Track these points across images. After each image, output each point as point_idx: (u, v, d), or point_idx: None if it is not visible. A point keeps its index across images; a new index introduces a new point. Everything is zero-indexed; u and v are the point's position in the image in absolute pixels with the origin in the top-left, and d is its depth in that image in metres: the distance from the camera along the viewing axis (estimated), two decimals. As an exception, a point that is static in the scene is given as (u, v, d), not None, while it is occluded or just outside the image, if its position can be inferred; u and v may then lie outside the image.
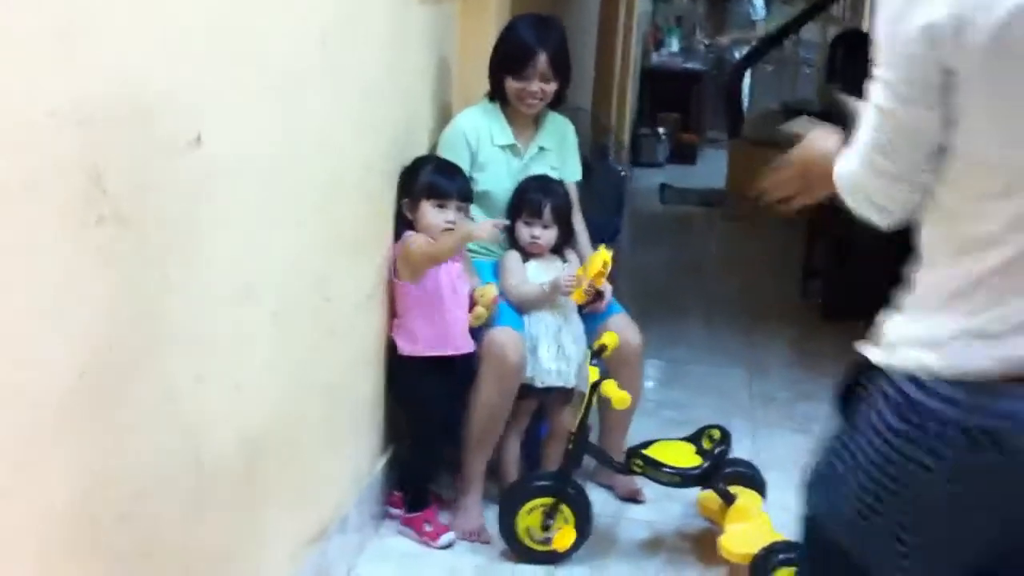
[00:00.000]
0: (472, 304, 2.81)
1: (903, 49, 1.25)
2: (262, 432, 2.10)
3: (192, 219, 1.73)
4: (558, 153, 3.15)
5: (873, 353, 1.40)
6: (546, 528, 2.69)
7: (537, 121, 3.11)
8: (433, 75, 3.09)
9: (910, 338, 1.35)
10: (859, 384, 1.42)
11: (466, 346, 2.78)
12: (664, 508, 3.04)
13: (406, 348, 2.74)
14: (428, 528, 2.79)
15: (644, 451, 2.74)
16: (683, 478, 2.69)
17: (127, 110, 1.51)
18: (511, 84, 2.97)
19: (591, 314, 3.02)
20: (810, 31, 8.54)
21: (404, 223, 2.76)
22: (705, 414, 3.73)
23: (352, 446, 2.67)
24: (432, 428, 2.83)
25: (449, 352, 2.76)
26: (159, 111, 1.60)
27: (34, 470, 1.38)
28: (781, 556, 2.49)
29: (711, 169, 8.86)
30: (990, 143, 1.25)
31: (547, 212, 2.96)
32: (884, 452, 1.33)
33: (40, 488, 1.40)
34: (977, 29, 1.18)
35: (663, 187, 7.90)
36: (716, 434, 2.74)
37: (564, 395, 2.95)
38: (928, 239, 1.38)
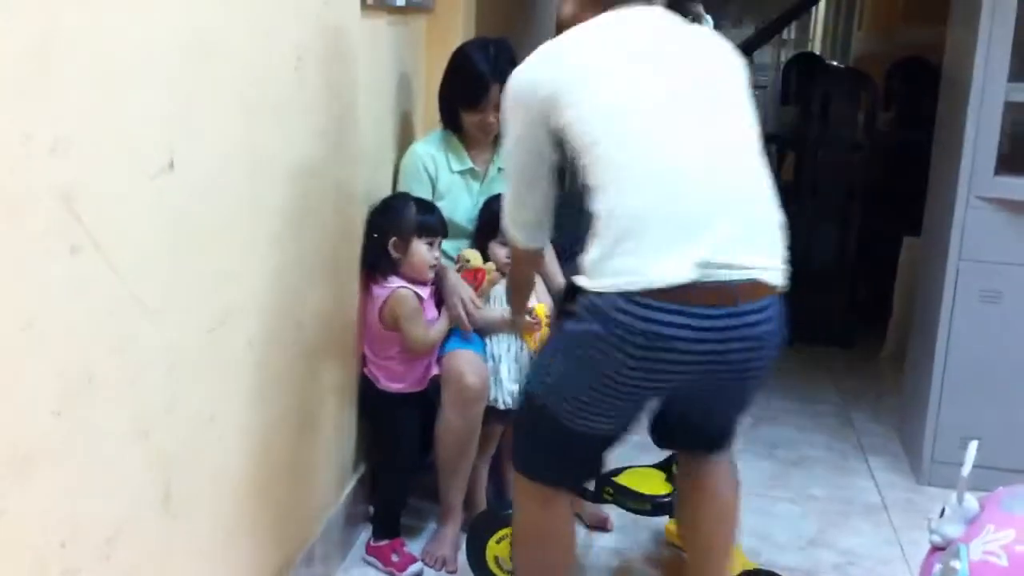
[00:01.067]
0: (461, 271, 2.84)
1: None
2: (234, 463, 2.04)
3: (168, 244, 1.68)
4: None
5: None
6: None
7: (496, 141, 3.02)
8: (400, 97, 3.05)
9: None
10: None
11: (433, 370, 2.79)
12: (632, 535, 3.01)
13: (391, 386, 2.74)
14: (395, 559, 2.74)
15: (615, 479, 2.71)
16: (654, 506, 2.66)
17: (100, 135, 1.46)
18: (467, 116, 2.91)
19: None
20: (762, 54, 8.60)
21: (382, 258, 2.70)
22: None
23: (323, 473, 2.61)
24: (405, 458, 2.80)
25: (423, 383, 2.77)
26: (132, 136, 1.55)
27: (8, 516, 1.32)
28: (755, 585, 2.47)
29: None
30: None
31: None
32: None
33: (11, 528, 1.34)
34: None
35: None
36: (687, 461, 2.71)
37: None
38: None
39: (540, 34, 6.04)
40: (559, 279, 2.94)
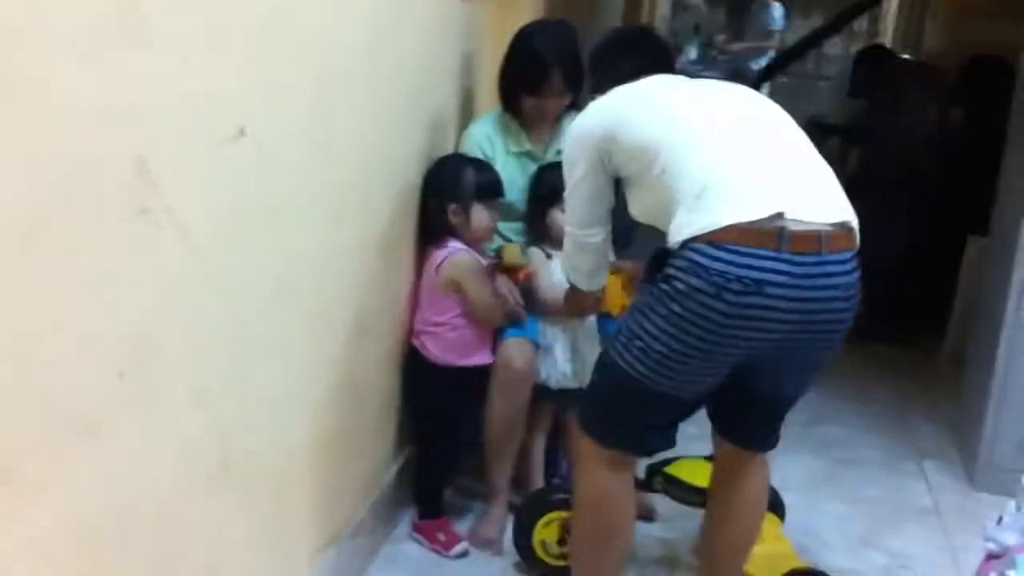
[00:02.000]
0: (500, 268, 2.82)
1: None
2: (289, 436, 2.05)
3: (234, 213, 1.69)
4: None
5: None
6: (562, 543, 2.63)
7: (555, 124, 3.00)
8: (464, 75, 3.03)
9: None
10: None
11: (489, 357, 2.76)
12: (678, 526, 2.98)
13: (439, 356, 2.70)
14: (441, 537, 2.74)
15: (666, 469, 2.69)
16: (705, 497, 2.62)
17: (175, 101, 1.46)
18: (527, 99, 2.89)
19: (607, 321, 2.96)
20: (833, 45, 8.47)
21: (439, 226, 2.68)
22: (694, 430, 3.68)
23: (372, 449, 2.62)
24: (452, 436, 2.79)
25: (477, 362, 2.73)
26: (205, 103, 1.55)
27: (68, 470, 1.33)
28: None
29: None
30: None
31: None
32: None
33: (72, 490, 1.35)
34: None
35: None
36: (740, 454, 2.68)
37: (579, 395, 2.90)
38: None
39: (606, 16, 6.00)
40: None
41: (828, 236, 1.92)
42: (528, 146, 2.96)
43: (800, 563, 2.66)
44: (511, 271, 2.84)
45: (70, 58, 1.23)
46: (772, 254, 1.87)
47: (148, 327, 1.47)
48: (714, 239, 1.88)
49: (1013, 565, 2.22)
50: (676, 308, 1.92)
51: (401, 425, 2.82)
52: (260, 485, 1.93)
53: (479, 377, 2.77)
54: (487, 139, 2.92)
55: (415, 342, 2.73)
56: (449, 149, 2.93)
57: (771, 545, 2.64)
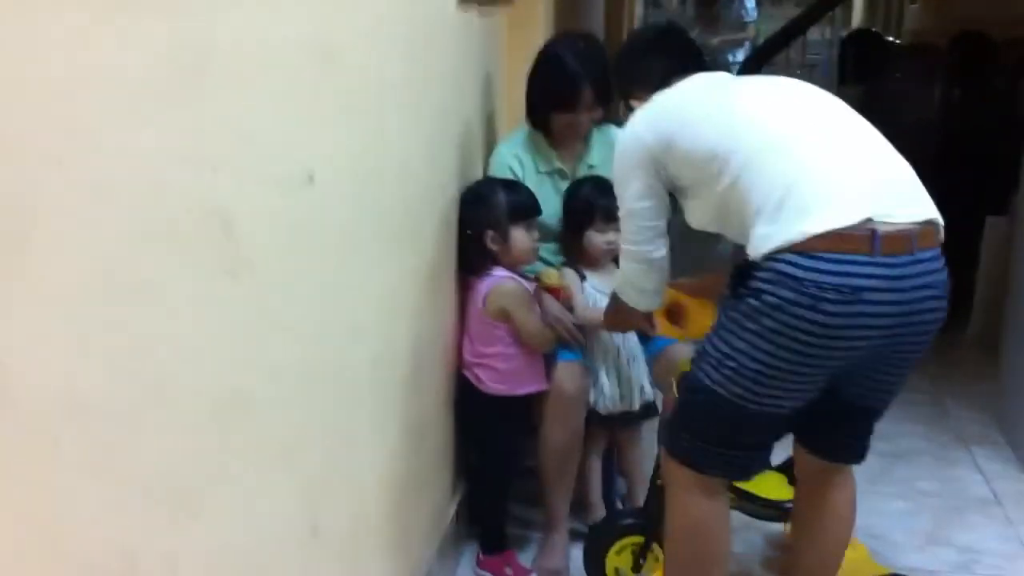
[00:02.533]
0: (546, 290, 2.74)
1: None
2: (364, 485, 1.95)
3: (307, 262, 1.59)
4: (607, 168, 2.99)
5: None
6: (637, 569, 2.54)
7: (585, 138, 2.92)
8: (486, 91, 2.95)
9: None
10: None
11: (544, 383, 2.67)
12: (747, 539, 2.90)
13: (493, 388, 2.61)
14: (508, 572, 2.65)
15: (736, 483, 2.60)
16: (780, 511, 2.55)
17: (251, 151, 1.37)
18: (558, 117, 2.79)
19: (647, 341, 2.88)
20: (812, 31, 8.45)
21: (481, 252, 2.59)
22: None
23: (434, 489, 2.52)
24: (509, 467, 2.71)
25: (532, 389, 2.65)
26: (276, 150, 1.45)
27: (167, 543, 1.23)
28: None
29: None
30: None
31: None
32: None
33: (170, 561, 1.25)
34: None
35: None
36: (810, 463, 2.60)
37: (630, 417, 2.84)
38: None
39: (589, 23, 5.93)
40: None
41: (918, 234, 1.84)
42: (558, 163, 2.88)
43: (879, 568, 2.59)
44: (550, 293, 2.75)
45: (151, 108, 1.13)
46: (867, 259, 1.79)
47: (238, 387, 1.38)
48: (804, 248, 1.79)
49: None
50: (769, 323, 1.83)
51: (457, 460, 2.72)
52: (342, 540, 1.83)
53: (532, 404, 2.68)
54: (516, 159, 2.83)
55: (467, 374, 2.64)
56: (478, 170, 2.84)
57: (848, 552, 2.56)
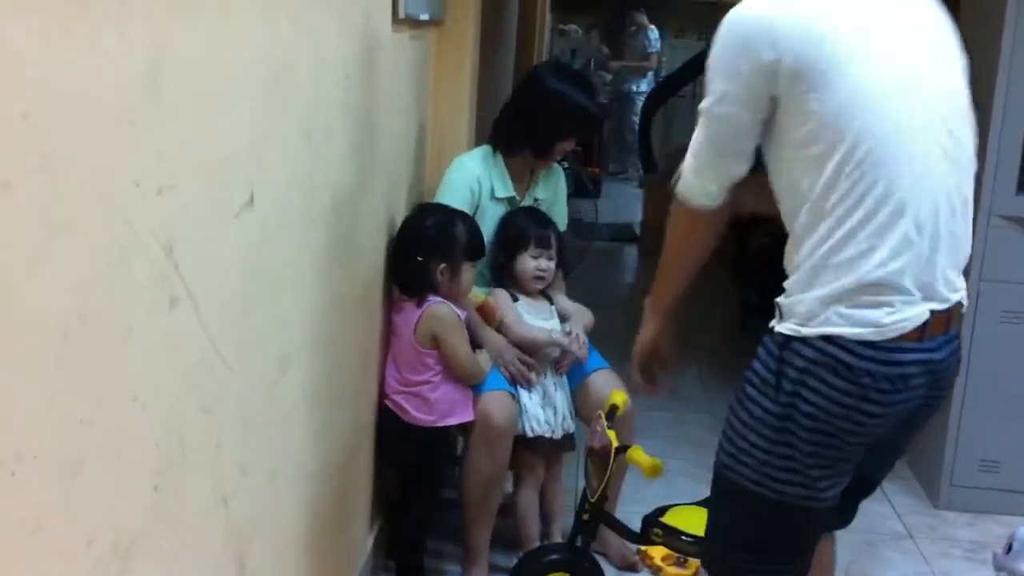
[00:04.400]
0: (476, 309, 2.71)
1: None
2: (290, 520, 1.86)
3: (241, 290, 1.51)
4: (551, 203, 2.98)
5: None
6: (560, 607, 2.49)
7: (533, 172, 2.94)
8: (418, 112, 2.89)
9: None
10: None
11: (469, 414, 2.60)
12: (666, 573, 2.87)
13: (419, 418, 2.52)
14: (425, 607, 2.57)
15: (662, 519, 2.56)
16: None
17: (195, 173, 1.28)
18: (561, 144, 2.84)
19: (572, 370, 2.86)
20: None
21: (422, 282, 2.51)
22: (682, 466, 3.61)
23: (354, 521, 2.43)
24: (433, 498, 2.63)
25: (457, 421, 2.57)
26: (220, 172, 1.37)
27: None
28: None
29: (616, 202, 8.81)
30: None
31: (554, 242, 2.81)
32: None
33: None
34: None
35: (574, 221, 7.77)
36: (735, 498, 2.58)
37: (555, 444, 2.79)
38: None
39: (503, 53, 5.92)
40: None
41: (955, 312, 1.73)
42: (513, 192, 2.86)
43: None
44: (480, 311, 2.70)
45: (107, 130, 1.04)
46: (915, 345, 1.65)
47: (177, 427, 1.29)
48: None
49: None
50: (810, 410, 1.65)
51: (376, 490, 2.63)
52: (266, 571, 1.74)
53: (454, 434, 2.62)
54: (476, 179, 2.80)
55: (389, 403, 2.54)
56: (405, 191, 2.77)
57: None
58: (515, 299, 2.81)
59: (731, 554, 1.84)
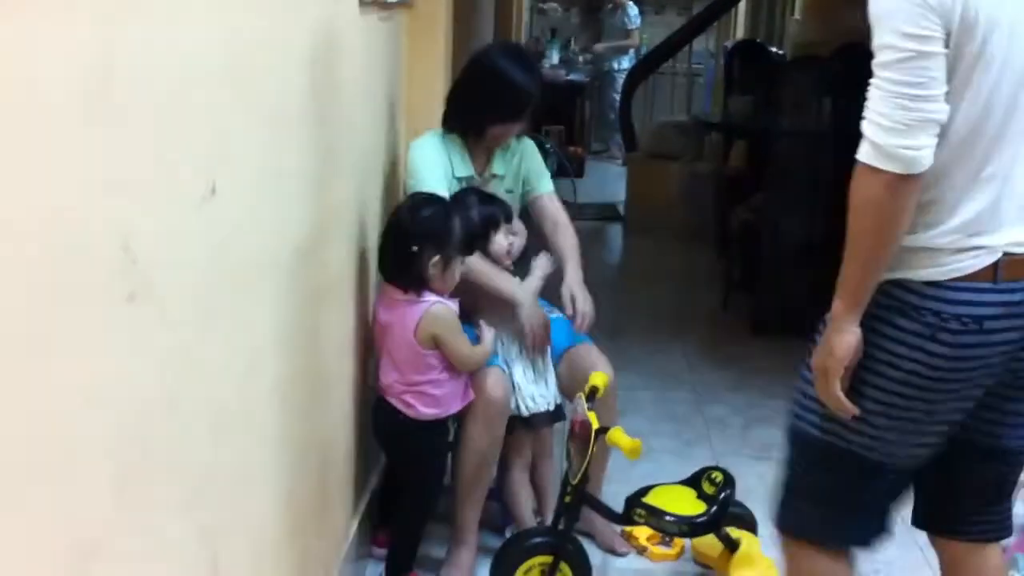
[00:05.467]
0: None
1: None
2: (266, 516, 1.84)
3: (207, 283, 1.47)
4: (513, 176, 2.94)
5: None
6: (543, 592, 2.48)
7: (490, 149, 2.89)
8: (390, 96, 2.86)
9: None
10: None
11: (471, 394, 2.59)
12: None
13: (422, 412, 2.49)
14: (413, 593, 2.55)
15: (644, 499, 2.56)
16: (691, 527, 2.51)
17: (151, 166, 1.25)
18: (497, 128, 2.76)
19: (554, 345, 2.84)
20: (698, 41, 8.55)
21: (416, 274, 2.44)
22: (665, 443, 3.61)
23: (336, 512, 2.41)
24: (436, 488, 2.62)
25: (458, 408, 2.56)
26: (177, 163, 1.34)
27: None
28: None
29: (599, 182, 8.80)
30: None
31: (515, 216, 2.81)
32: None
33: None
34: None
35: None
36: (718, 477, 2.58)
37: (549, 418, 2.79)
38: None
39: (480, 31, 5.88)
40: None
41: None
42: (472, 171, 2.82)
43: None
44: None
45: (52, 125, 1.02)
46: (989, 286, 1.68)
47: (141, 425, 1.26)
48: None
49: (1015, 565, 2.18)
50: (884, 356, 1.71)
51: (358, 475, 2.62)
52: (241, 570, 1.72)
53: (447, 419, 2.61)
54: (439, 159, 2.76)
55: (394, 401, 2.49)
56: (380, 176, 2.74)
57: (758, 566, 2.56)
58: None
59: (795, 503, 1.89)
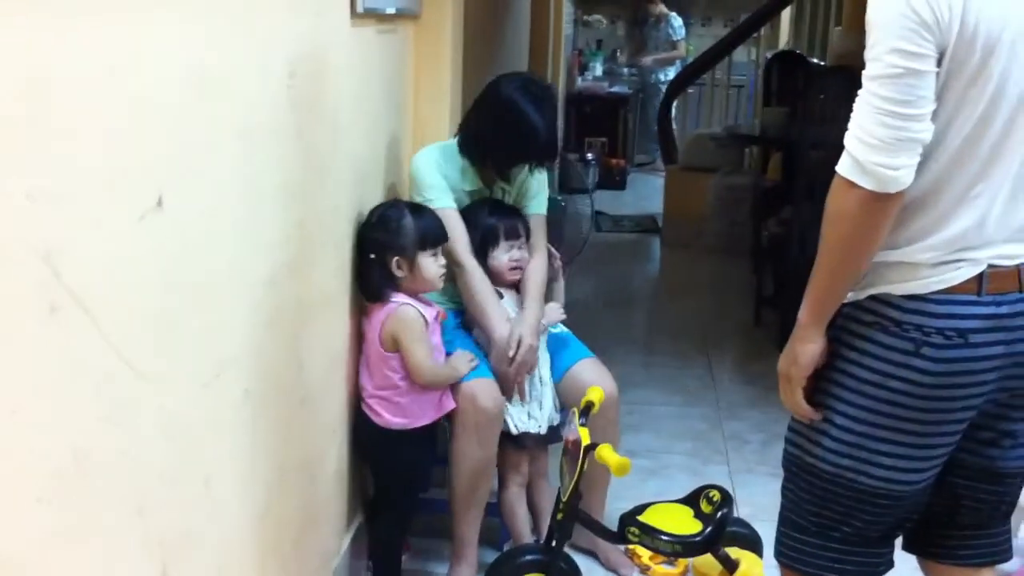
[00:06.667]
0: None
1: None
2: (235, 526, 1.83)
3: (158, 294, 1.46)
4: (516, 190, 2.91)
5: None
6: (535, 609, 2.44)
7: None
8: (389, 108, 2.84)
9: None
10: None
11: (449, 404, 2.56)
12: (655, 573, 2.82)
13: (390, 420, 2.48)
14: (403, 610, 2.53)
15: (639, 517, 2.50)
16: (684, 547, 2.46)
17: (82, 179, 1.25)
18: (510, 160, 2.74)
19: (556, 361, 2.81)
20: (739, 52, 8.47)
21: (383, 278, 2.46)
22: (680, 461, 3.56)
23: (324, 525, 2.39)
24: (414, 499, 2.60)
25: (434, 417, 2.53)
26: (116, 176, 1.33)
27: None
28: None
29: (640, 194, 8.75)
30: None
31: (523, 231, 2.78)
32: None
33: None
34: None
35: (597, 214, 7.69)
36: (716, 496, 2.51)
37: (541, 439, 2.76)
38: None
39: (513, 42, 5.86)
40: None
41: None
42: (479, 184, 2.80)
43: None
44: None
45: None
46: (972, 298, 1.64)
47: (69, 437, 1.25)
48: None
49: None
50: (865, 375, 1.68)
51: (352, 491, 2.60)
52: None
53: (437, 432, 2.59)
54: (440, 166, 2.73)
55: (365, 408, 2.50)
56: (380, 189, 2.73)
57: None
58: (500, 295, 2.77)
59: (790, 534, 1.84)
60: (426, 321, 2.46)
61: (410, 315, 2.43)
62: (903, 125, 1.54)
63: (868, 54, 1.58)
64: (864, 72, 1.58)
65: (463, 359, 2.57)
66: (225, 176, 1.69)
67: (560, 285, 2.97)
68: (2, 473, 1.13)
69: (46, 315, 1.19)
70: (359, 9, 2.36)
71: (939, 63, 1.55)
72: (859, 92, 1.59)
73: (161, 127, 1.44)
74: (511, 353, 2.62)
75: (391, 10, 2.66)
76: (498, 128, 2.68)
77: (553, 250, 2.93)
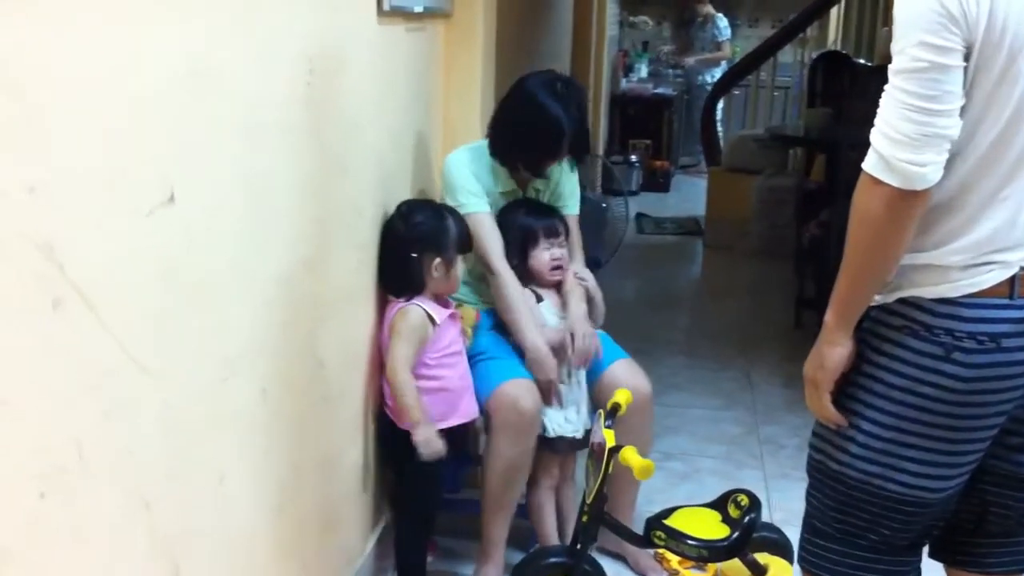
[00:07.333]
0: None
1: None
2: (251, 524, 1.83)
3: (165, 290, 1.47)
4: (550, 192, 2.89)
5: None
6: (558, 611, 2.42)
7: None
8: (418, 108, 2.83)
9: None
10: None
11: (473, 412, 2.54)
12: (685, 578, 2.78)
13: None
14: (428, 611, 2.52)
15: (665, 521, 2.47)
16: (710, 551, 2.41)
17: (87, 173, 1.25)
18: (535, 156, 2.72)
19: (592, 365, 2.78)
20: (784, 53, 8.38)
21: (415, 280, 2.45)
22: (713, 465, 3.51)
23: (346, 526, 2.39)
24: (436, 500, 2.58)
25: (458, 421, 2.51)
26: (125, 171, 1.34)
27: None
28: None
29: (684, 196, 8.69)
30: None
31: (561, 229, 2.78)
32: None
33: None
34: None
35: (639, 216, 7.66)
36: (744, 501, 2.47)
37: (574, 445, 2.73)
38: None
39: (555, 42, 5.84)
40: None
41: None
42: (513, 185, 2.79)
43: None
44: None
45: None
46: (1005, 302, 1.60)
47: (73, 435, 1.25)
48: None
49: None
50: (895, 380, 1.64)
51: (377, 493, 2.59)
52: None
53: (459, 430, 2.56)
54: (475, 174, 2.73)
55: (386, 408, 2.49)
56: (407, 188, 2.73)
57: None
58: (539, 299, 2.76)
59: (814, 540, 1.80)
60: (434, 322, 2.44)
61: (411, 313, 2.42)
62: (929, 120, 1.50)
63: (894, 47, 1.54)
64: (890, 67, 1.55)
65: (428, 432, 2.38)
66: (234, 173, 1.68)
67: (598, 301, 2.92)
68: (5, 468, 1.13)
69: (49, 309, 1.19)
70: (385, 7, 2.35)
71: (966, 59, 1.51)
72: (885, 87, 1.55)
73: (165, 123, 1.44)
74: (569, 351, 2.65)
75: (419, 8, 2.65)
76: (520, 123, 2.67)
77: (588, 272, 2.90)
